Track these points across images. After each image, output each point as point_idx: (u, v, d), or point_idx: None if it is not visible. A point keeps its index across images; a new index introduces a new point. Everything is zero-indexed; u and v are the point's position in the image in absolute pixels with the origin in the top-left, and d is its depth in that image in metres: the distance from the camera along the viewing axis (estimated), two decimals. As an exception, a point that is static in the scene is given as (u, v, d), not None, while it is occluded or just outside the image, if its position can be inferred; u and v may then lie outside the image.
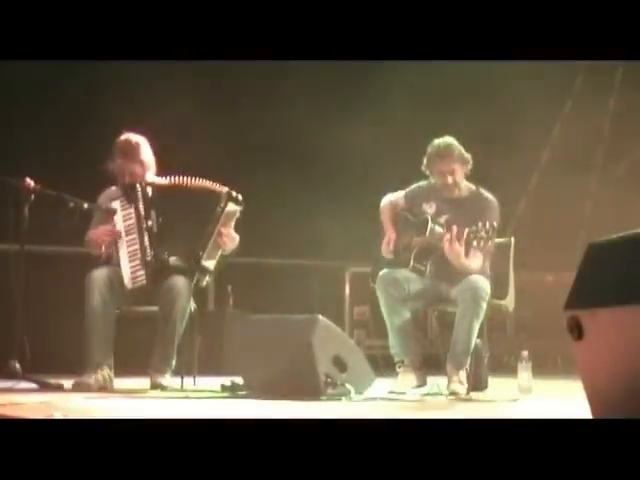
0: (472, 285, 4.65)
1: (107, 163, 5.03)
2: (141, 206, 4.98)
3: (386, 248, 5.02)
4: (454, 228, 4.61)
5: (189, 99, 7.36)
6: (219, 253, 4.98)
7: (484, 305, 4.66)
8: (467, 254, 4.64)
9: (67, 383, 4.76)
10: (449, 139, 4.91)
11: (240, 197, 4.95)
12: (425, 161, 4.96)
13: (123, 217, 5.00)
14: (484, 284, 4.68)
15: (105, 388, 4.70)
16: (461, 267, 4.69)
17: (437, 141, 4.92)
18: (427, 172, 4.98)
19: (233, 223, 4.99)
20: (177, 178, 5.00)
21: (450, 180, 4.88)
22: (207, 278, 5.03)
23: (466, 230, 4.56)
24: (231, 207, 4.94)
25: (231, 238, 4.97)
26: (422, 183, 5.10)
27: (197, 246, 4.91)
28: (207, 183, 4.99)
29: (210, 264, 4.96)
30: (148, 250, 4.93)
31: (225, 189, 4.94)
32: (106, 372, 4.78)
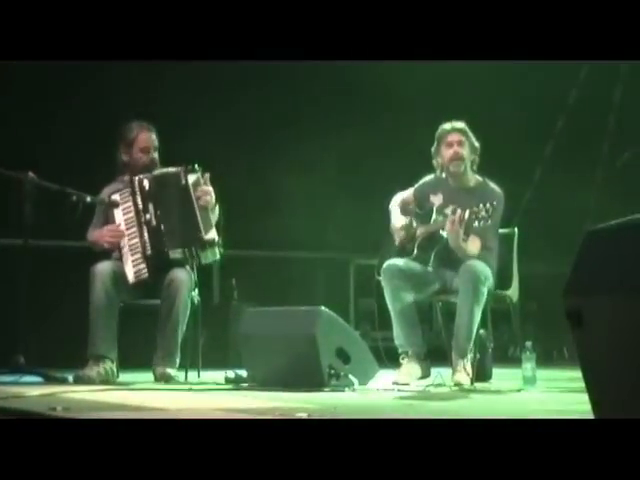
0: (469, 269, 4.64)
1: (117, 155, 5.08)
2: (139, 199, 5.00)
3: (397, 241, 5.01)
4: (458, 210, 4.60)
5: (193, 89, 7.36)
6: (211, 217, 4.99)
7: (484, 290, 4.64)
8: (467, 236, 4.64)
9: (71, 377, 4.77)
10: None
11: (196, 166, 5.03)
12: (435, 143, 4.95)
13: (123, 211, 5.03)
14: (482, 268, 4.67)
15: (108, 381, 4.71)
16: (459, 249, 4.68)
17: (447, 123, 4.94)
18: (435, 158, 4.97)
19: (204, 187, 5.01)
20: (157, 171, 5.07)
21: (458, 149, 4.85)
22: (217, 250, 5.02)
23: (467, 211, 4.55)
24: (192, 178, 5.00)
25: (206, 192, 4.99)
26: (429, 177, 5.09)
27: (192, 227, 4.93)
28: (165, 169, 5.08)
29: (213, 234, 4.98)
30: (147, 244, 4.95)
31: (179, 168, 5.02)
32: (108, 365, 4.78)
